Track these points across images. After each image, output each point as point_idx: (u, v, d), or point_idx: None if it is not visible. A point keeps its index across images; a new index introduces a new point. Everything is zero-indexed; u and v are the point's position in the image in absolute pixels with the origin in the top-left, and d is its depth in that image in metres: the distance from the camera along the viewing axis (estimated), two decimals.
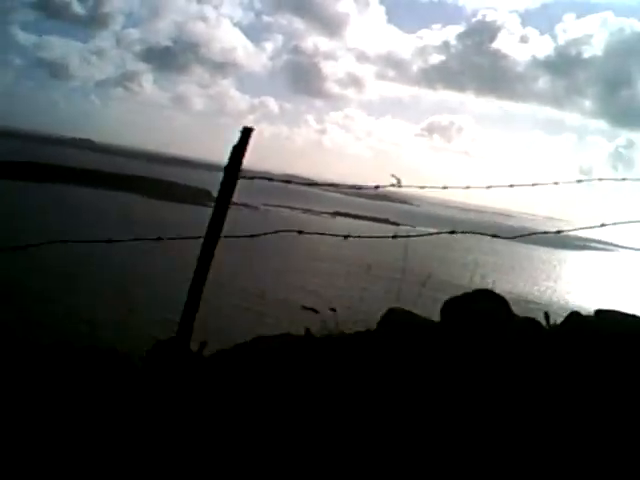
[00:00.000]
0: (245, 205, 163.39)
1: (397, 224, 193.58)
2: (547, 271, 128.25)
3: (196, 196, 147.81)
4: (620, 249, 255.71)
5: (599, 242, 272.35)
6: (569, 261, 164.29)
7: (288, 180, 6.25)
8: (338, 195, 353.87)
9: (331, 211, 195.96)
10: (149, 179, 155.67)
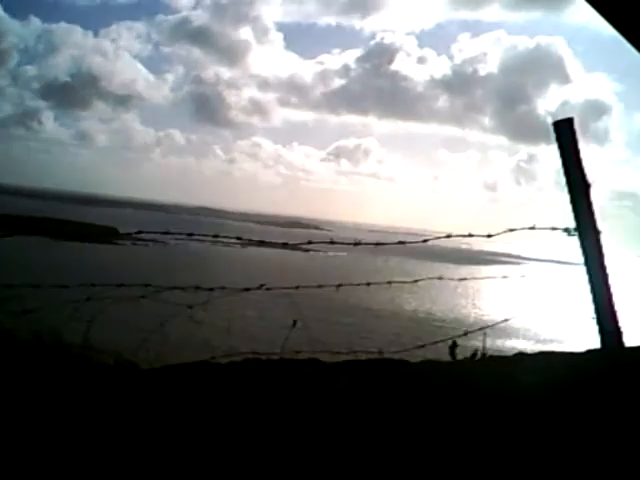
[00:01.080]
0: (154, 241, 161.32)
1: (307, 250, 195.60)
2: (456, 289, 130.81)
3: (102, 234, 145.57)
4: (527, 261, 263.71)
5: (508, 255, 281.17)
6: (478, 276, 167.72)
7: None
8: (249, 224, 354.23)
9: (240, 241, 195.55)
10: (53, 220, 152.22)
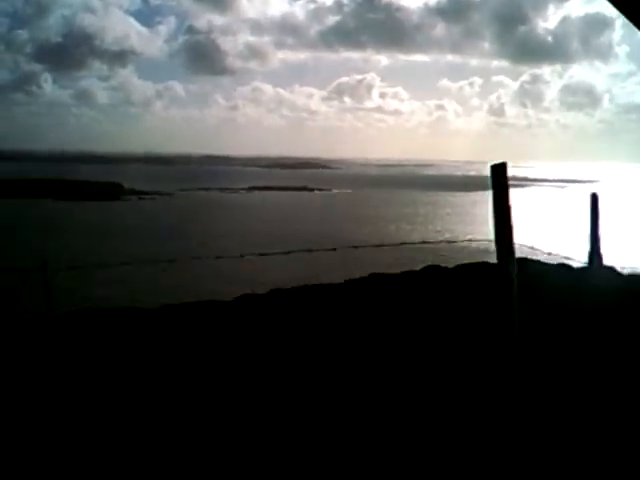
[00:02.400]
0: (158, 193, 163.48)
1: (313, 189, 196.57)
2: (466, 213, 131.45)
3: (108, 191, 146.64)
4: (530, 183, 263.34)
5: (512, 179, 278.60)
6: (485, 202, 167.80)
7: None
8: (256, 169, 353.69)
9: (247, 187, 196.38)
10: (60, 181, 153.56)
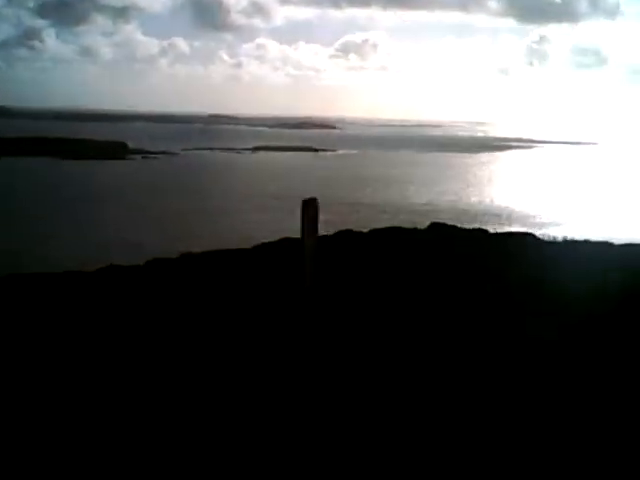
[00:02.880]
0: (163, 152, 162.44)
1: (318, 150, 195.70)
2: (467, 175, 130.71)
3: (111, 150, 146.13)
4: (537, 144, 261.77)
5: (519, 140, 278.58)
6: (491, 163, 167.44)
7: None
8: (261, 129, 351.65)
9: (251, 147, 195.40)
10: (64, 140, 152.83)
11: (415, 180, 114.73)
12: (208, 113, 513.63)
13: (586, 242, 18.22)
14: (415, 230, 18.23)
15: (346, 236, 14.53)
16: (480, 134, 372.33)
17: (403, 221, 68.22)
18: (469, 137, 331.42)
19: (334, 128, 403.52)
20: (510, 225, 63.38)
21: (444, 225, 16.78)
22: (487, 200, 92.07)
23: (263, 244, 16.03)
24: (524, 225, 61.85)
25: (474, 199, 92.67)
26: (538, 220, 71.45)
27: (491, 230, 21.14)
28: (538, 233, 22.66)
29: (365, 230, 15.48)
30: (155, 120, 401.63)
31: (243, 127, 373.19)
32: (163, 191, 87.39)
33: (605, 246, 17.52)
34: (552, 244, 18.09)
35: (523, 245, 15.57)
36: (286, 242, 14.67)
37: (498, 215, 76.11)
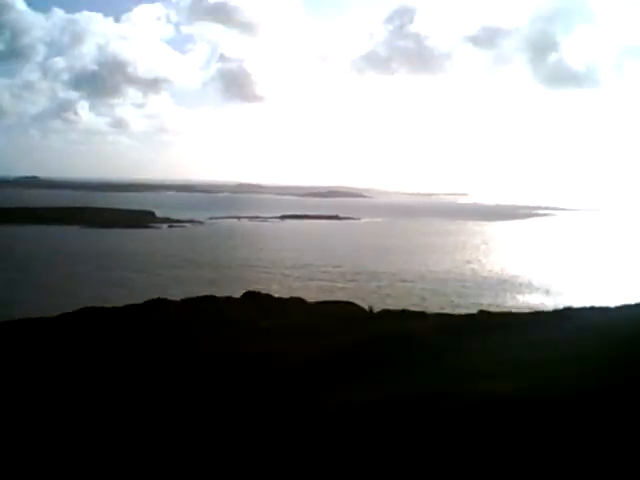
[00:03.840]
0: (190, 221, 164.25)
1: (343, 218, 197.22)
2: (489, 243, 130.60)
3: (139, 219, 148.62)
4: (559, 211, 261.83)
5: (542, 208, 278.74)
6: (513, 231, 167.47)
7: None
8: (289, 197, 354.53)
9: (279, 215, 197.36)
10: (93, 209, 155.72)
11: (440, 248, 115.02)
12: (236, 182, 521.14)
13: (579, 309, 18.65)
14: None
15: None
16: (506, 202, 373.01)
17: (422, 289, 68.77)
18: (493, 205, 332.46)
19: (363, 197, 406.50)
20: (530, 293, 63.49)
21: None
22: (506, 268, 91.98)
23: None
24: (539, 292, 61.96)
25: (495, 266, 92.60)
26: (553, 289, 71.03)
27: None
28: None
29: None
30: (184, 189, 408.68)
31: (270, 196, 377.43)
32: (175, 259, 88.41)
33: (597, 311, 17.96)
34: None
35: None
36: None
37: (515, 283, 75.90)
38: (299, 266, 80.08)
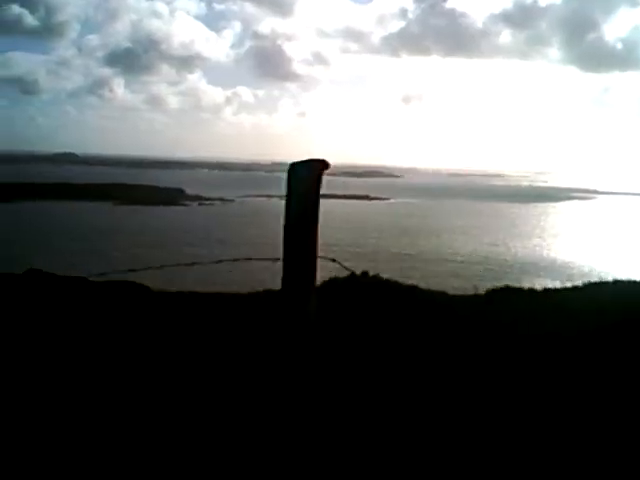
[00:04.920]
0: (220, 199, 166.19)
1: (374, 198, 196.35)
2: (522, 226, 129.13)
3: (169, 197, 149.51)
4: (599, 195, 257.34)
5: (580, 191, 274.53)
6: (548, 214, 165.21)
7: None
8: (324, 177, 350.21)
9: None
10: (125, 185, 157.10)
11: (467, 230, 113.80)
12: (271, 161, 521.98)
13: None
14: None
15: None
16: (541, 184, 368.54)
17: (444, 271, 68.05)
18: (529, 187, 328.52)
19: (397, 177, 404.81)
20: (547, 277, 62.41)
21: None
22: (534, 251, 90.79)
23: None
24: (558, 278, 60.89)
25: (521, 250, 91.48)
26: (576, 272, 69.94)
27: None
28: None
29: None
30: (217, 168, 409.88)
31: None
32: (197, 237, 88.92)
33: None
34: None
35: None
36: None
37: (540, 266, 74.97)
38: (320, 246, 79.56)
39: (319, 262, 3.79)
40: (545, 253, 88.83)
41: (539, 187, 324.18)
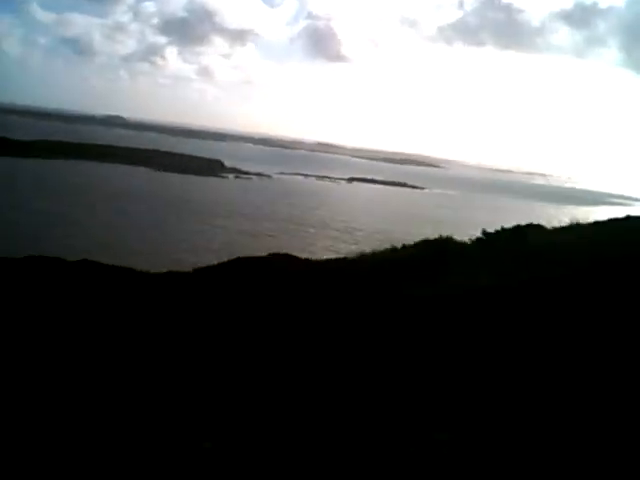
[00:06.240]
0: (258, 174, 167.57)
1: (409, 186, 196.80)
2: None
3: (208, 168, 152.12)
4: (636, 202, 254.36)
5: (617, 197, 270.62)
6: (580, 217, 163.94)
7: None
8: (364, 161, 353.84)
9: (347, 177, 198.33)
10: (164, 153, 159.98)
11: (490, 224, 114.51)
12: (316, 141, 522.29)
13: None
14: None
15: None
16: (583, 186, 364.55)
17: None
18: (570, 189, 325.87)
19: (437, 167, 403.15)
20: None
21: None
22: None
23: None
24: None
25: None
26: None
27: None
28: None
29: None
30: (262, 143, 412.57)
31: (346, 157, 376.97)
32: (221, 209, 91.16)
33: None
34: None
35: None
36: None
37: None
38: (344, 229, 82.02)
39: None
40: None
41: (581, 190, 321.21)
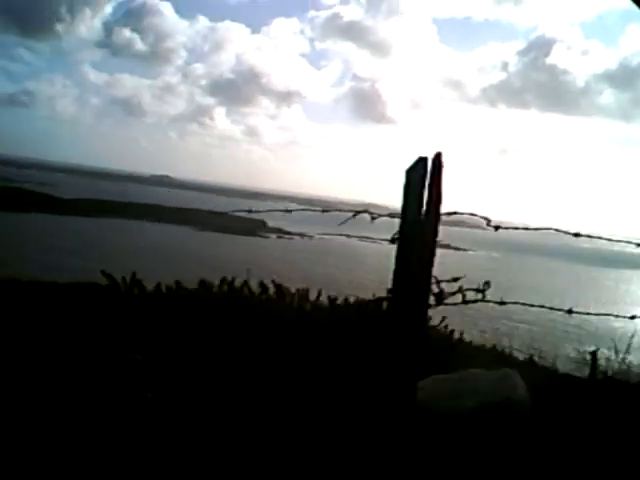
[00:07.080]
0: (301, 234, 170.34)
1: (452, 248, 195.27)
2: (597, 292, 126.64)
3: (251, 227, 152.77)
4: None
5: None
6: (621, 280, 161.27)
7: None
8: None
9: (390, 238, 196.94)
10: (211, 212, 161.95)
11: (539, 290, 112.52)
12: (361, 202, 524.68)
13: None
14: None
15: None
16: (616, 248, 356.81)
17: (484, 325, 68.02)
18: (617, 251, 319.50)
19: (483, 229, 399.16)
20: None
21: None
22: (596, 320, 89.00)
23: None
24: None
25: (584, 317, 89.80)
26: None
27: None
28: None
29: None
30: (307, 203, 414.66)
31: (389, 219, 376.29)
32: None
33: None
34: None
35: None
36: None
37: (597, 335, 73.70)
38: (372, 289, 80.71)
39: None
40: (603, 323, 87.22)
41: (629, 254, 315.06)
